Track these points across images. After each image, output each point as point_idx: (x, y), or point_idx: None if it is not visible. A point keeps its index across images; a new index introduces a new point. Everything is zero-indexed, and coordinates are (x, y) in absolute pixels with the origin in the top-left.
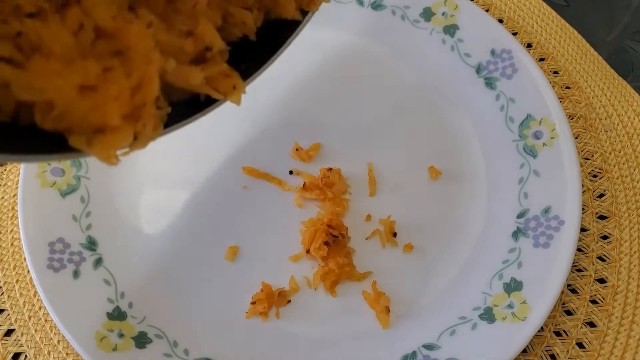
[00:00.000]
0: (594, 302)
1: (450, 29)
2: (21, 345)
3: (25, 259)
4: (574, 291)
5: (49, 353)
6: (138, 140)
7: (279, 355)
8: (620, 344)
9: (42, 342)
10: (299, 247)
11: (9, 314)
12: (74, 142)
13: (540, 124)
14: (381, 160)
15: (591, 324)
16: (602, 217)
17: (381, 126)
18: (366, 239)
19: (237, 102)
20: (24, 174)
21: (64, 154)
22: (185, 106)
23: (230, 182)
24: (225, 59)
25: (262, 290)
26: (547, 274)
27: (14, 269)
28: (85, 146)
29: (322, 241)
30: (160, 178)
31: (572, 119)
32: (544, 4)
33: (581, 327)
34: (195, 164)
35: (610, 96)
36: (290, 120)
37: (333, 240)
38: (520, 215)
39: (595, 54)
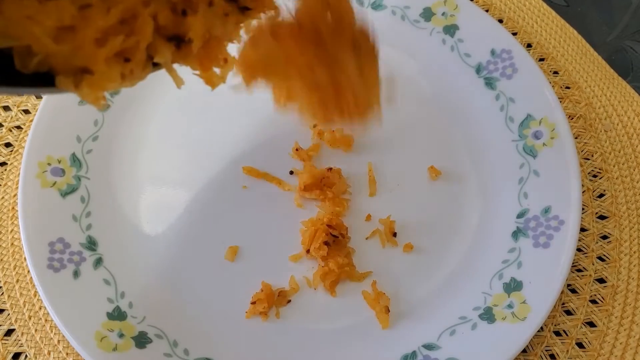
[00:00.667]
0: (593, 302)
1: (450, 29)
2: (21, 345)
3: (25, 259)
4: (573, 291)
5: (49, 353)
6: (126, 80)
7: (278, 355)
8: (620, 344)
9: (42, 342)
10: (299, 247)
11: (9, 314)
12: (61, 83)
13: (540, 124)
14: (381, 160)
15: (591, 324)
16: (602, 217)
17: (381, 126)
18: (366, 239)
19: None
20: (24, 174)
21: (50, 89)
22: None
23: (230, 182)
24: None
25: (262, 290)
26: (547, 274)
27: (14, 269)
28: (72, 88)
29: (322, 241)
30: (160, 178)
31: (572, 119)
32: (544, 4)
33: (581, 327)
34: (195, 164)
35: (610, 96)
36: (290, 120)
37: (333, 240)
38: (520, 215)
39: (595, 54)
